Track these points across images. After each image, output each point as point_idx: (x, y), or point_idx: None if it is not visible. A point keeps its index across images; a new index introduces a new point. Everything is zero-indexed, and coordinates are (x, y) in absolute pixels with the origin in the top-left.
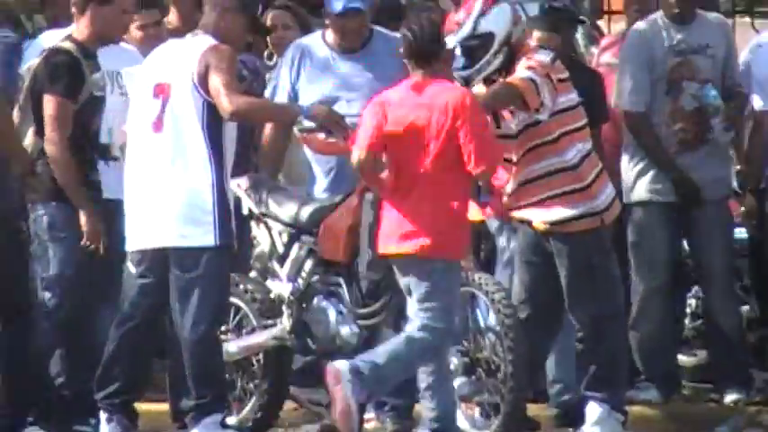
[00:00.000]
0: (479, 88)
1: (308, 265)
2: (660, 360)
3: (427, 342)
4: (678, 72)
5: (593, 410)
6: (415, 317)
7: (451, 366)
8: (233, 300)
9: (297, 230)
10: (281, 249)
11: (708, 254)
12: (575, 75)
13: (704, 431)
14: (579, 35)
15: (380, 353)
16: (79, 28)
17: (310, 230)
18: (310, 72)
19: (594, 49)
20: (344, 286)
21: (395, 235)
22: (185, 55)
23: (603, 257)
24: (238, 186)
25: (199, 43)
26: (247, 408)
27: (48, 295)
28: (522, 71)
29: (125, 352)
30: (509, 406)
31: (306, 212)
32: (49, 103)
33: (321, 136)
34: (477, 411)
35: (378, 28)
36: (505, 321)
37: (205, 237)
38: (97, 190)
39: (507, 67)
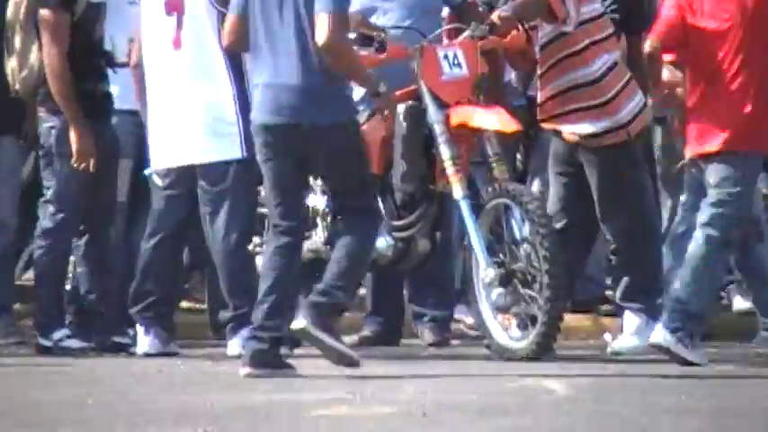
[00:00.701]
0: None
1: None
2: None
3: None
4: None
5: (631, 321)
6: None
7: (487, 279)
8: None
9: None
10: None
11: None
12: None
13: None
14: None
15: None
16: None
17: None
18: None
19: None
20: (379, 198)
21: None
22: None
23: (633, 170)
24: None
25: None
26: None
27: (51, 209)
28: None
29: (156, 265)
30: (546, 316)
31: None
32: (44, 18)
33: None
34: (514, 323)
35: None
36: (540, 231)
37: (231, 149)
38: (109, 101)
39: None
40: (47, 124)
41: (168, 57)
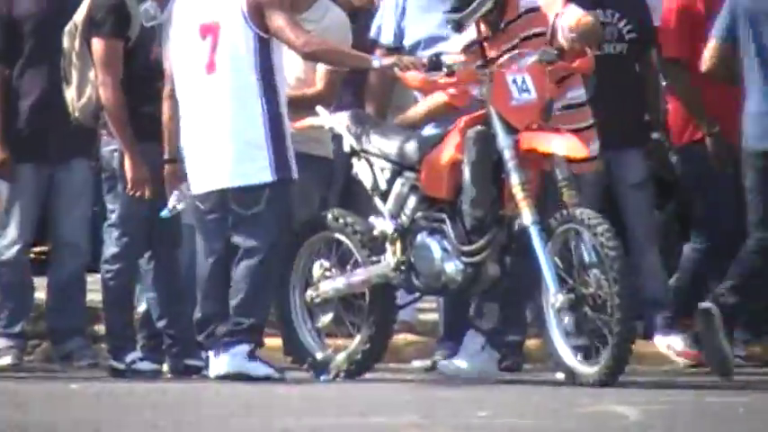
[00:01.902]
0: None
1: (412, 201)
2: None
3: None
4: None
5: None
6: None
7: (557, 304)
8: (334, 234)
9: (399, 166)
10: (383, 186)
11: None
12: None
13: None
14: None
15: None
16: None
17: (413, 166)
18: (415, 10)
19: None
20: (448, 223)
21: None
22: None
23: None
24: (338, 123)
25: None
26: (355, 342)
27: (116, 233)
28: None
29: (216, 289)
30: (617, 338)
31: (409, 148)
32: (97, 47)
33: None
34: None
35: None
36: (609, 254)
37: (262, 173)
38: None
39: (501, 3)
40: (109, 147)
41: (202, 82)
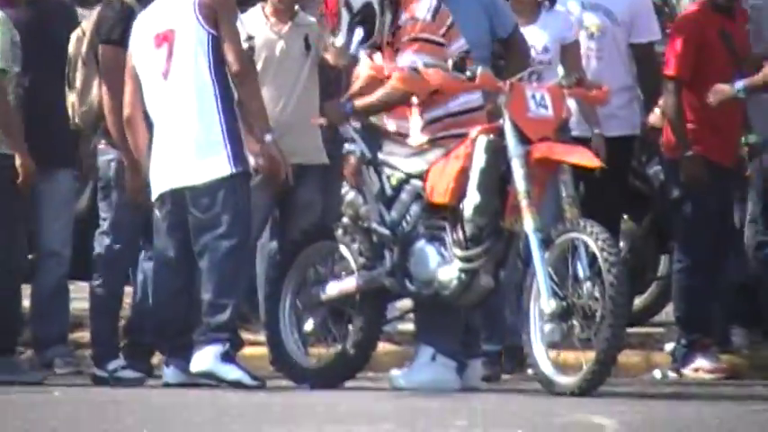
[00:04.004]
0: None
1: (414, 209)
2: None
3: None
4: None
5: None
6: None
7: (548, 309)
8: (330, 243)
9: (407, 175)
10: (389, 193)
11: None
12: None
13: None
14: None
15: None
16: None
17: (420, 175)
18: None
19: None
20: (448, 230)
21: None
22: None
23: None
24: (353, 130)
25: None
26: (341, 347)
27: (107, 240)
28: (405, 57)
29: (167, 295)
30: (602, 354)
31: (419, 158)
32: (104, 54)
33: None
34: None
35: None
36: (609, 259)
37: (220, 167)
38: None
39: (397, 15)
40: (105, 157)
41: (159, 88)
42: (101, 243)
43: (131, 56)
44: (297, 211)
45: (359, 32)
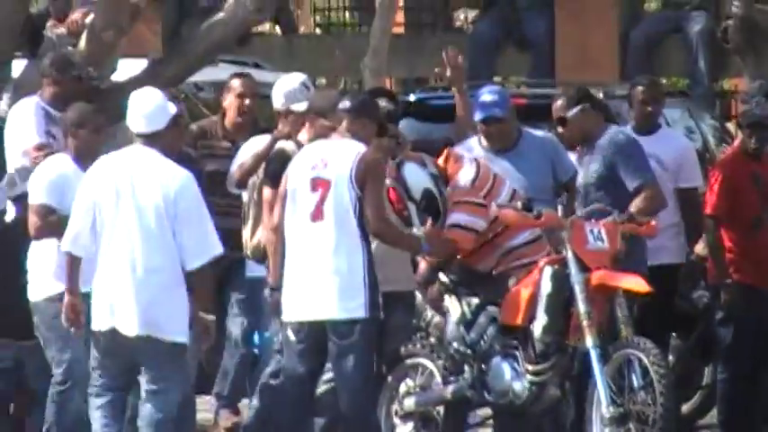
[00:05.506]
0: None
1: (491, 330)
2: None
3: None
4: None
5: None
6: None
7: (608, 414)
8: (419, 360)
9: (484, 301)
10: (469, 316)
11: None
12: None
13: None
14: (709, 134)
15: None
16: None
17: (495, 301)
18: None
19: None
20: (520, 348)
21: None
22: (342, 157)
23: None
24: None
25: (352, 147)
26: None
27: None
28: (452, 217)
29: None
30: None
31: (493, 287)
32: (265, 194)
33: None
34: None
35: (527, 129)
36: (659, 371)
37: (358, 310)
38: None
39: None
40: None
41: (308, 227)
42: None
43: (287, 182)
44: (391, 334)
45: (429, 221)
